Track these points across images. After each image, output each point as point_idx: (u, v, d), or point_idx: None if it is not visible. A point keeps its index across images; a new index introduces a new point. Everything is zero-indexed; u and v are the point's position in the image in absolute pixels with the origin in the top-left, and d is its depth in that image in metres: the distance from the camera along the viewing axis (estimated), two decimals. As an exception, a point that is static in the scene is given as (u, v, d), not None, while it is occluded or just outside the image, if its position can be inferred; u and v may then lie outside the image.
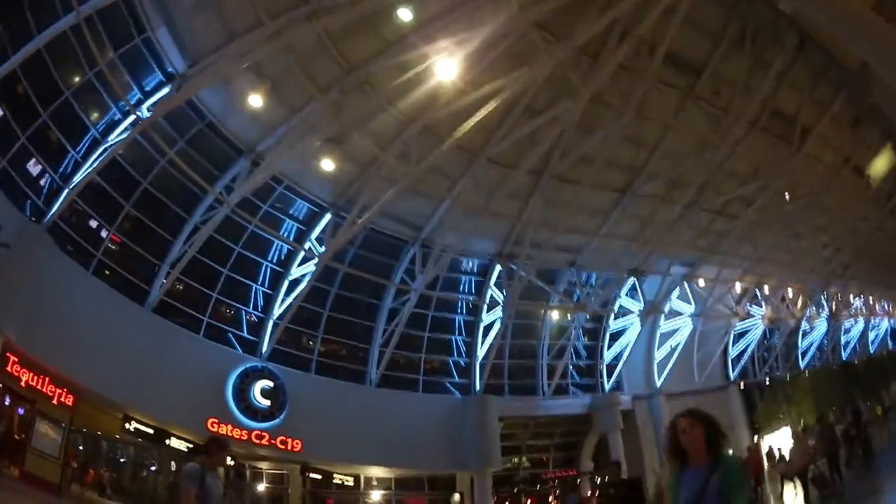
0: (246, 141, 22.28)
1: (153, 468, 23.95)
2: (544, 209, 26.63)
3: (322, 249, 24.89)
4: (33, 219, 17.84)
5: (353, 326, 28.65)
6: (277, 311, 25.50)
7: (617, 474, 29.04)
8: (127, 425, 20.68)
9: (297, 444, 24.45)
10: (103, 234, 20.93)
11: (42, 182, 18.55)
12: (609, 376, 34.94)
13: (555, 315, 33.53)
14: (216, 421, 22.44)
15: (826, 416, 24.30)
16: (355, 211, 23.86)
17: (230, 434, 22.33)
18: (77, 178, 18.59)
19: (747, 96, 23.83)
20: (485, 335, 31.30)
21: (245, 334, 25.26)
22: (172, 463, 22.78)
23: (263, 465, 26.21)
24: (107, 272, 20.68)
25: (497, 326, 30.82)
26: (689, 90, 23.93)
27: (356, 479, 28.46)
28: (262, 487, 26.58)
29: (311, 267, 25.27)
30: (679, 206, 28.73)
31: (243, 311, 25.53)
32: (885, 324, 57.51)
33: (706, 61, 23.13)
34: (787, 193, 30.83)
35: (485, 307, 31.12)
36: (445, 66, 18.64)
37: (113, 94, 19.16)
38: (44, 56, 16.75)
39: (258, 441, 23.46)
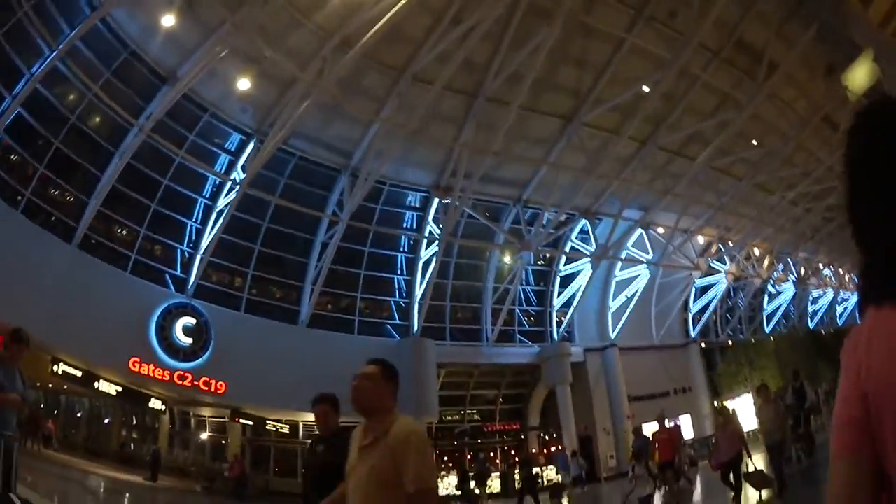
0: (167, 67, 20.70)
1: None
2: (481, 135, 23.99)
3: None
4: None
5: (286, 263, 26.57)
6: (205, 245, 23.51)
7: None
8: (55, 368, 19.40)
9: (220, 385, 22.61)
10: (30, 169, 19.61)
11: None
12: (559, 325, 32.30)
13: (506, 259, 31.12)
14: (138, 360, 20.90)
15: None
16: (273, 133, 22.06)
17: (152, 375, 21.13)
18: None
19: (707, 21, 21.51)
20: (424, 274, 28.71)
21: (177, 273, 23.51)
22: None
23: (206, 413, 24.94)
24: (33, 209, 19.29)
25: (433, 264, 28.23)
26: (640, 7, 21.58)
27: (293, 426, 26.46)
28: (204, 436, 25.55)
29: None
30: (632, 142, 26.39)
31: (178, 249, 23.83)
32: (854, 298, 55.65)
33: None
34: (754, 141, 28.59)
35: (423, 243, 28.52)
36: None
37: (41, 33, 17.92)
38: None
39: (181, 382, 21.82)
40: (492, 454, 31.95)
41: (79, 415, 27.98)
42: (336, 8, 19.32)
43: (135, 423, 26.98)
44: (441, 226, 27.10)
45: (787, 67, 24.50)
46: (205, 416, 25.66)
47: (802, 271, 43.57)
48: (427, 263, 28.45)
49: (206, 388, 22.31)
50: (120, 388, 21.46)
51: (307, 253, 26.38)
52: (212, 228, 23.51)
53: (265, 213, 25.00)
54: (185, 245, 23.85)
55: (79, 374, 20.17)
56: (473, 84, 23.17)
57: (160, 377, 21.30)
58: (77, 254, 19.85)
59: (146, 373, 20.83)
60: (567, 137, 25.09)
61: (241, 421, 24.86)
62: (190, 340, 22.29)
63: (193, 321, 22.53)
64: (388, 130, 23.30)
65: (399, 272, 29.38)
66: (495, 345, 30.73)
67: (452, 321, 30.55)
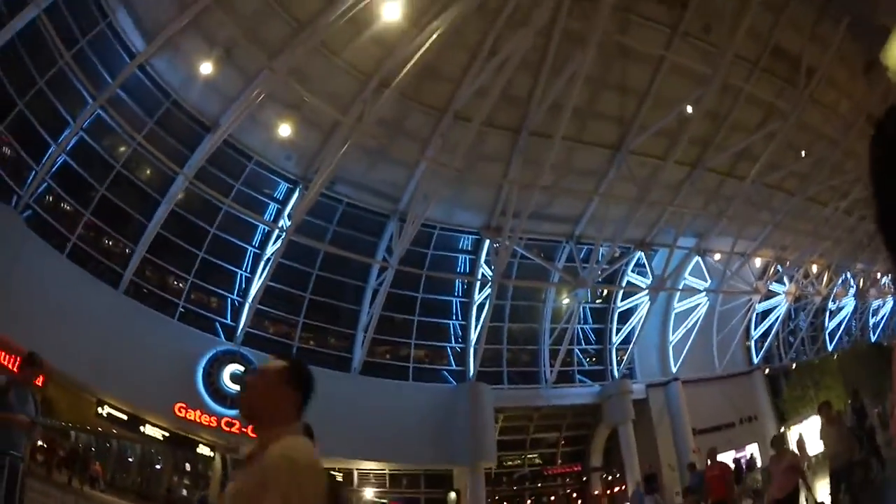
0: (209, 115, 20.73)
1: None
2: (528, 171, 23.11)
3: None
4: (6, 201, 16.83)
5: (337, 310, 26.06)
6: (253, 293, 23.20)
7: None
8: (100, 410, 19.34)
9: None
10: (77, 217, 19.75)
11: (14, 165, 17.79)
12: (619, 362, 30.85)
13: (564, 301, 29.92)
14: (184, 406, 20.73)
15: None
16: (316, 179, 21.70)
17: (198, 420, 20.84)
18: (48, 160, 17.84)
19: (740, 31, 20.81)
20: (479, 318, 27.66)
21: (227, 321, 23.31)
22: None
23: None
24: (80, 255, 19.37)
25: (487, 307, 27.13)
26: (675, 25, 20.82)
27: (347, 474, 25.61)
28: None
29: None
30: (682, 167, 25.28)
31: (227, 298, 23.65)
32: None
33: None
34: (803, 152, 27.29)
35: (476, 287, 27.56)
36: (391, 8, 17.49)
37: (83, 83, 18.19)
38: (17, 47, 16.38)
39: (228, 428, 21.45)
40: (552, 498, 30.53)
41: (130, 459, 26.96)
42: (371, 49, 19.22)
43: (184, 468, 26.11)
44: (493, 267, 26.00)
45: (826, 69, 23.64)
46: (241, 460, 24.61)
47: (861, 283, 41.72)
48: (481, 307, 27.44)
49: (255, 435, 21.32)
50: (167, 433, 21.06)
51: (359, 300, 25.80)
52: (259, 276, 23.13)
53: (315, 261, 24.54)
54: (234, 293, 23.53)
55: (124, 417, 19.99)
56: (516, 119, 22.54)
57: (207, 423, 21.05)
58: (123, 299, 19.91)
59: (192, 418, 20.65)
60: (616, 167, 24.12)
61: None
62: (238, 387, 21.41)
63: (242, 368, 22.05)
64: (434, 171, 22.64)
65: (454, 317, 28.43)
66: (554, 386, 29.49)
67: (510, 364, 29.44)
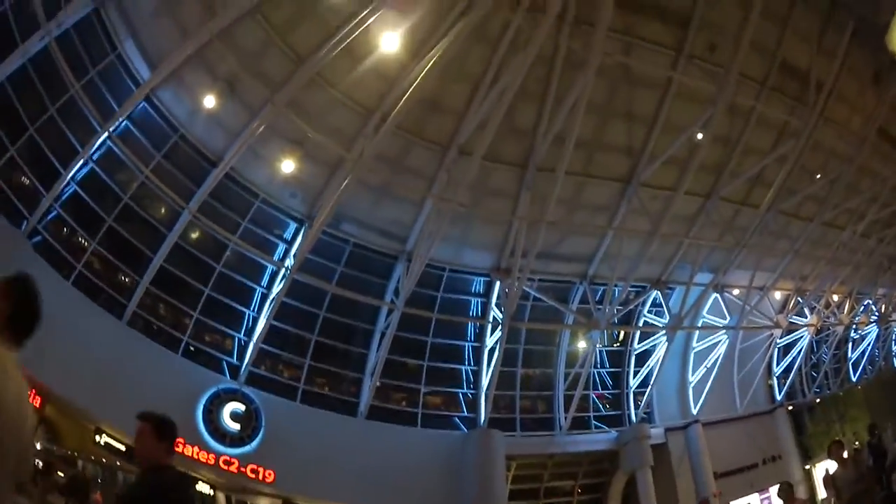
0: (213, 150, 20.17)
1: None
2: (536, 208, 21.77)
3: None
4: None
5: (344, 353, 24.87)
6: (258, 332, 22.36)
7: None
8: (98, 438, 18.89)
9: (269, 474, 21.14)
10: (84, 246, 19.77)
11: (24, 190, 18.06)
12: (637, 406, 29.10)
13: (581, 345, 28.29)
14: (182, 441, 19.08)
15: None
16: (319, 216, 20.99)
17: (195, 457, 19.92)
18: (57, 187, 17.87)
19: (744, 45, 19.60)
20: (490, 362, 26.15)
21: (232, 360, 22.49)
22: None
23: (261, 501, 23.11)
24: (85, 284, 19.22)
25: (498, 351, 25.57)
26: (679, 46, 19.60)
27: None
28: None
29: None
30: (695, 198, 23.87)
31: (234, 337, 22.84)
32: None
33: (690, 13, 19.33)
34: (818, 175, 25.79)
35: (488, 330, 25.98)
36: (389, 39, 16.95)
37: (91, 112, 18.27)
38: (30, 74, 16.72)
39: (226, 467, 20.56)
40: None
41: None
42: (372, 83, 18.62)
43: None
44: (503, 310, 24.43)
45: (835, 83, 22.41)
46: (246, 502, 23.46)
47: (883, 308, 39.96)
48: (493, 351, 25.90)
49: (254, 476, 20.92)
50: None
51: (367, 343, 24.61)
52: (265, 315, 22.31)
53: (322, 302, 23.56)
54: (241, 333, 22.70)
55: (122, 447, 19.14)
56: (522, 153, 21.07)
57: (205, 460, 20.20)
58: (126, 330, 19.53)
59: (190, 454, 19.72)
60: (627, 201, 22.65)
61: None
62: (238, 426, 21.10)
63: (243, 407, 21.35)
64: (439, 210, 21.42)
65: (466, 362, 26.91)
66: (569, 433, 27.74)
67: (523, 411, 27.78)
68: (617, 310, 26.65)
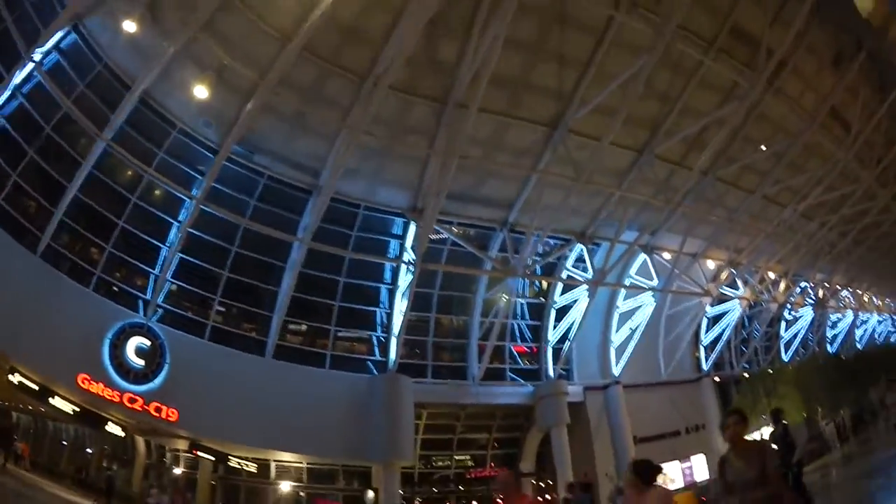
0: (132, 76, 18.47)
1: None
2: (455, 146, 20.03)
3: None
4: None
5: (256, 291, 23.25)
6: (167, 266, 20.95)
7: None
8: (11, 377, 17.99)
9: (172, 413, 19.96)
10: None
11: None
12: (556, 361, 28.19)
13: (503, 297, 27.17)
14: (87, 377, 18.73)
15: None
16: (226, 145, 19.54)
17: (101, 394, 18.99)
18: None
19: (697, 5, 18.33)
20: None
21: (142, 294, 21.02)
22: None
23: (181, 446, 22.40)
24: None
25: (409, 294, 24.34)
26: None
27: (262, 466, 23.38)
28: (178, 471, 23.24)
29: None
30: (627, 152, 22.76)
31: (150, 273, 21.27)
32: (873, 319, 51.58)
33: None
34: (763, 146, 24.85)
35: (402, 272, 24.74)
36: None
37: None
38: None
39: (130, 405, 19.44)
40: (474, 502, 28.00)
41: (63, 443, 27.48)
42: (290, 6, 17.00)
43: (96, 447, 25.79)
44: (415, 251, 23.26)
45: (790, 56, 21.27)
46: (179, 451, 23.07)
47: (821, 294, 39.54)
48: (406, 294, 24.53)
49: (157, 414, 19.70)
50: (77, 409, 19.33)
51: (278, 281, 22.96)
52: (175, 248, 20.88)
53: (234, 237, 22.02)
54: (155, 268, 21.17)
55: (35, 387, 18.57)
56: (444, 89, 19.60)
57: (110, 398, 19.07)
58: (39, 263, 18.19)
59: (96, 391, 18.78)
60: (553, 147, 21.32)
61: (200, 454, 21.93)
62: (142, 362, 19.82)
63: (148, 343, 20.04)
64: (349, 141, 19.81)
65: (382, 305, 25.55)
66: (483, 384, 26.80)
67: (436, 358, 26.68)
68: (539, 261, 25.59)
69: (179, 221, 21.09)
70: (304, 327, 24.57)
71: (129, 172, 20.30)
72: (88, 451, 26.46)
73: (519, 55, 19.38)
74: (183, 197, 20.79)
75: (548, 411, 27.13)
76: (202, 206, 20.34)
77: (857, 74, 23.06)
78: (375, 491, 23.92)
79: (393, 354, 24.52)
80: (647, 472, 5.80)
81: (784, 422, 12.10)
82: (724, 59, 20.73)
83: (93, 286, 19.65)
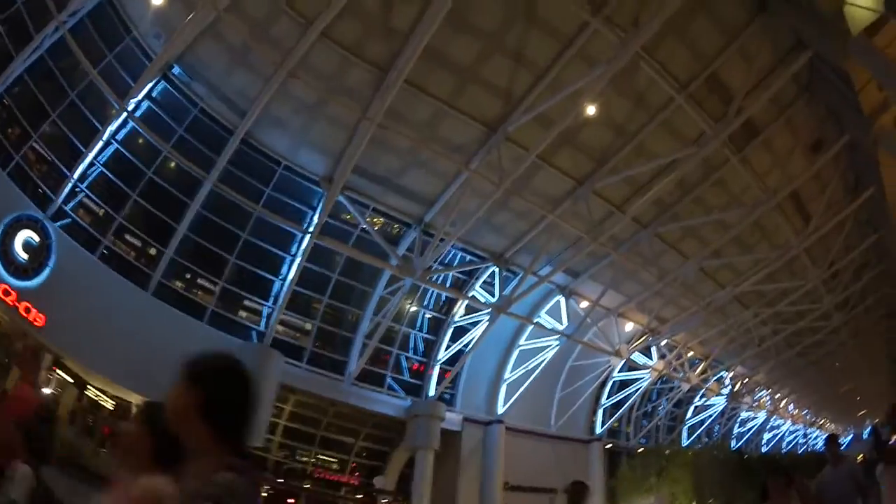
0: None
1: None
2: (388, 123, 17.99)
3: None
4: None
5: (158, 221, 20.76)
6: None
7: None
8: None
9: (40, 317, 17.41)
10: None
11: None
12: (440, 382, 25.70)
13: (411, 301, 24.92)
14: None
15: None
16: (157, 58, 17.38)
17: None
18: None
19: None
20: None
21: (50, 194, 18.41)
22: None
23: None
24: None
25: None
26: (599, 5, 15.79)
27: (120, 405, 20.52)
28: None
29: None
30: (565, 179, 20.60)
31: (69, 178, 18.63)
32: (785, 426, 50.33)
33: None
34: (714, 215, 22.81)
35: (304, 244, 22.09)
36: None
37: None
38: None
39: (5, 297, 16.93)
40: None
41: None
42: None
43: None
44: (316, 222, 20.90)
45: (767, 126, 19.68)
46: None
47: (738, 387, 37.81)
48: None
49: (26, 315, 17.24)
50: None
51: (179, 217, 20.56)
52: (91, 156, 18.63)
53: (153, 162, 19.90)
54: (73, 173, 18.67)
55: None
56: (389, 56, 17.32)
57: None
58: None
59: None
60: (486, 150, 19.05)
61: (60, 372, 19.33)
62: (27, 257, 17.49)
63: (37, 239, 17.65)
64: (286, 91, 18.11)
65: (281, 276, 23.05)
66: (359, 384, 24.37)
67: (316, 344, 24.21)
68: (440, 269, 23.36)
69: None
70: (192, 274, 22.15)
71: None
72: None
73: (477, 43, 17.18)
74: (115, 105, 18.26)
75: (418, 432, 24.78)
76: (131, 121, 18.36)
77: (832, 167, 21.18)
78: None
79: (271, 326, 22.14)
80: None
81: None
82: (694, 106, 18.62)
83: (8, 170, 17.22)
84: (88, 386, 19.86)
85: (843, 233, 23.18)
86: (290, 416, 24.57)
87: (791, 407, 48.83)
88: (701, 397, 37.05)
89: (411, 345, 26.33)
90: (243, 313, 23.16)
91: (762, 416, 44.72)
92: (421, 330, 26.38)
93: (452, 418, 25.95)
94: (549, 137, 18.32)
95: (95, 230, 19.64)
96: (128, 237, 20.76)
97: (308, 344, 23.89)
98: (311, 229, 21.30)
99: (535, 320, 25.71)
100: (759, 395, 41.80)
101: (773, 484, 7.09)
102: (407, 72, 16.69)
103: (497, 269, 23.64)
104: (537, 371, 26.78)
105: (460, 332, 26.21)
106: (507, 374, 27.34)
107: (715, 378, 35.07)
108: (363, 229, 21.98)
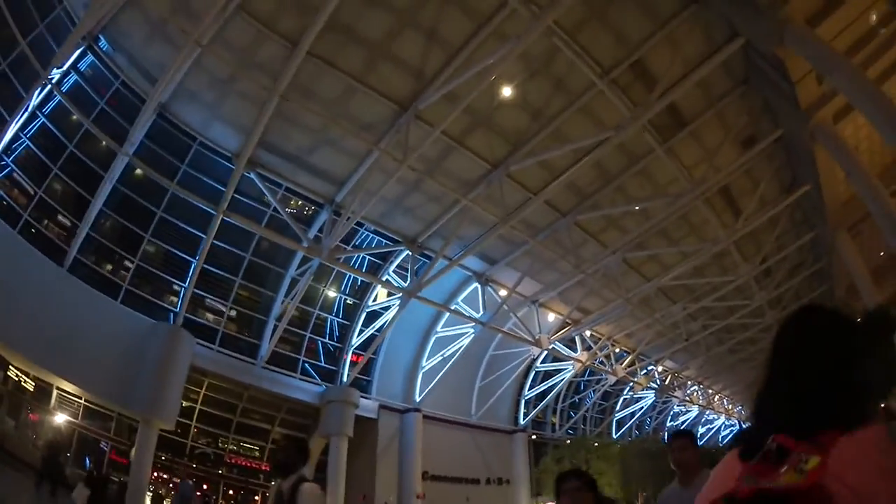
0: None
1: None
2: (294, 94, 17.37)
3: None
4: None
5: (75, 197, 19.91)
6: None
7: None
8: None
9: None
10: None
11: None
12: (353, 367, 25.21)
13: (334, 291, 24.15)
14: None
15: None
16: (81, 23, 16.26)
17: None
18: None
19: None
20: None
21: None
22: None
23: None
24: None
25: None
26: None
27: (41, 389, 19.53)
28: None
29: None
30: (480, 163, 20.07)
31: None
32: (719, 421, 50.62)
33: None
34: (636, 206, 22.45)
35: (216, 223, 21.25)
36: None
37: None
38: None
39: None
40: (231, 491, 24.72)
41: None
42: None
43: None
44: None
45: (696, 118, 19.07)
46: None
47: (668, 381, 37.83)
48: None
49: None
50: None
51: (93, 191, 19.72)
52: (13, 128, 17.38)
53: (74, 137, 19.12)
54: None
55: None
56: (299, 30, 16.59)
57: None
58: None
59: None
60: (396, 130, 18.45)
61: None
62: None
63: None
64: (196, 63, 17.54)
65: (197, 257, 22.17)
66: (271, 368, 23.67)
67: (228, 326, 23.49)
68: (349, 249, 22.75)
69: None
70: (108, 252, 21.30)
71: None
72: None
73: (389, 17, 16.49)
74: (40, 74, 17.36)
75: (332, 418, 24.24)
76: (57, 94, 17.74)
77: (766, 163, 20.77)
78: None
79: (183, 306, 21.54)
80: None
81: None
82: (617, 93, 18.12)
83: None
84: (10, 367, 18.65)
85: (775, 230, 22.94)
86: (205, 400, 23.81)
87: (725, 402, 49.15)
88: (629, 390, 36.99)
89: (327, 330, 25.65)
90: (160, 294, 22.42)
91: (695, 410, 44.92)
92: (337, 315, 25.72)
93: (368, 405, 25.42)
94: (462, 117, 17.83)
95: (17, 204, 18.63)
96: (48, 212, 19.76)
97: (220, 326, 23.14)
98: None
99: (452, 307, 25.20)
100: (691, 389, 41.93)
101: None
102: (310, 42, 16.06)
103: (410, 254, 23.04)
104: (454, 359, 26.35)
105: (375, 317, 25.64)
106: (424, 362, 26.89)
107: (643, 372, 35.00)
108: (275, 209, 21.25)
